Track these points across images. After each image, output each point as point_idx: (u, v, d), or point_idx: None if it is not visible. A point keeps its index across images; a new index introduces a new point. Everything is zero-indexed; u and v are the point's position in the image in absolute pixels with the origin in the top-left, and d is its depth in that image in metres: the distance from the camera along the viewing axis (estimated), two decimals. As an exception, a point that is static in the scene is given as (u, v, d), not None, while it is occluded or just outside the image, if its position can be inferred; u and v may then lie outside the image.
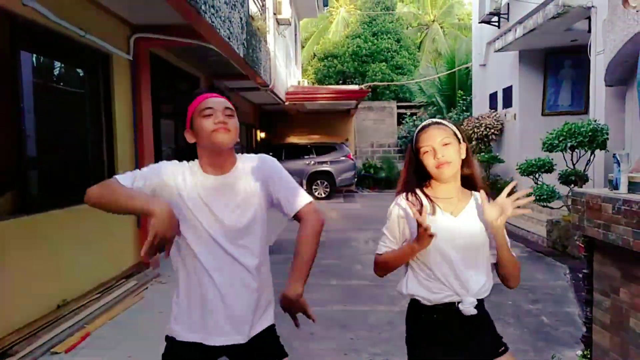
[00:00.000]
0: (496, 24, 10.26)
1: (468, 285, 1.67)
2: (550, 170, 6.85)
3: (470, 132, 10.68)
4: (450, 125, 1.74)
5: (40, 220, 3.88)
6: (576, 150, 6.34)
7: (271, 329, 1.74)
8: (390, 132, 17.59)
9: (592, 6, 6.76)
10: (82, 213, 4.46)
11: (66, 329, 3.74)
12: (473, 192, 1.78)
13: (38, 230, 3.85)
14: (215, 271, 1.62)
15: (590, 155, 6.38)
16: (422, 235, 1.59)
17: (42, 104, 4.10)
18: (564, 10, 6.76)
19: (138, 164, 5.57)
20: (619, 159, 2.56)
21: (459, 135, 1.73)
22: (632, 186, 2.54)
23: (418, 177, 1.77)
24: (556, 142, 6.29)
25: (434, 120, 1.76)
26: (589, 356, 2.90)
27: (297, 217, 1.72)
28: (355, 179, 14.84)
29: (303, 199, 1.72)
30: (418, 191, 1.75)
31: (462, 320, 1.68)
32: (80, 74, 4.95)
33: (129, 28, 5.44)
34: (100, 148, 5.05)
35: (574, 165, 6.52)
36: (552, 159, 6.85)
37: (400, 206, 1.74)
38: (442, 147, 1.67)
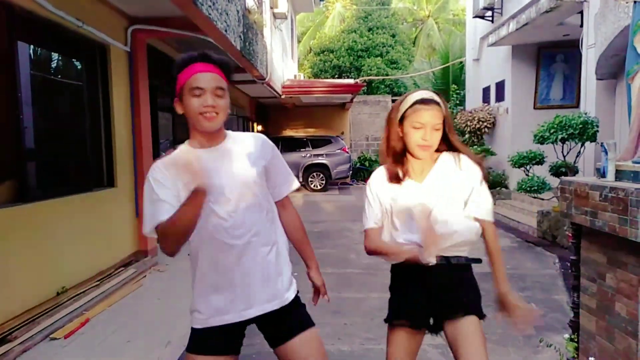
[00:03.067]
0: (490, 18, 10.33)
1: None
2: (541, 162, 6.96)
3: (464, 125, 10.78)
4: (443, 106, 1.75)
5: (39, 209, 3.92)
6: (567, 142, 6.44)
7: (296, 298, 1.77)
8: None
9: (585, 0, 6.84)
10: (80, 202, 4.52)
11: (65, 316, 3.79)
12: (444, 153, 1.81)
13: (37, 219, 3.90)
14: (229, 245, 1.61)
15: (581, 147, 6.50)
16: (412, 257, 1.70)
17: (40, 95, 4.13)
18: (556, 5, 6.84)
19: (136, 154, 5.61)
20: (606, 147, 2.64)
21: (446, 119, 1.76)
22: (619, 174, 2.62)
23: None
24: (547, 134, 6.40)
25: (435, 98, 1.74)
26: (575, 340, 3.00)
27: (279, 201, 1.80)
28: (351, 172, 14.94)
29: (292, 185, 1.82)
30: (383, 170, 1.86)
31: (433, 273, 1.75)
32: (78, 65, 4.97)
33: (126, 19, 5.46)
34: (99, 138, 5.09)
35: (564, 157, 6.63)
36: (543, 152, 6.96)
37: (377, 177, 1.86)
38: (432, 131, 1.71)
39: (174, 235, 1.48)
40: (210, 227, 1.60)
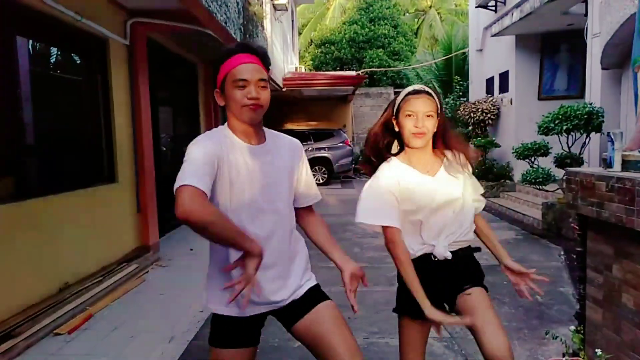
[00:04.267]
0: (493, 8, 10.22)
1: (442, 236, 1.82)
2: (545, 153, 6.90)
3: (467, 117, 10.70)
4: (436, 97, 1.82)
5: (40, 205, 3.91)
6: (572, 133, 6.38)
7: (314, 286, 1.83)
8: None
9: (589, -11, 6.74)
10: (81, 198, 4.51)
11: (69, 311, 3.79)
12: (445, 151, 1.88)
13: (38, 215, 3.88)
14: (263, 237, 1.60)
15: (586, 138, 6.43)
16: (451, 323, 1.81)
17: (39, 90, 4.10)
18: (560, -7, 6.75)
19: (136, 149, 5.59)
20: (613, 137, 2.60)
21: (439, 109, 1.82)
22: (626, 164, 2.57)
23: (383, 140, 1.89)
24: (552, 125, 6.33)
25: (426, 89, 1.83)
26: (582, 332, 2.97)
27: (304, 208, 1.84)
28: (353, 165, 14.88)
29: (317, 195, 1.85)
30: (395, 159, 1.88)
31: (442, 265, 1.84)
32: (77, 60, 4.94)
33: (125, 12, 5.41)
34: (99, 133, 5.06)
35: (569, 148, 6.57)
36: (548, 143, 6.89)
37: (389, 173, 1.84)
38: (425, 118, 1.76)
39: (202, 228, 1.37)
40: (251, 221, 1.61)
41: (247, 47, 1.58)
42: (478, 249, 1.95)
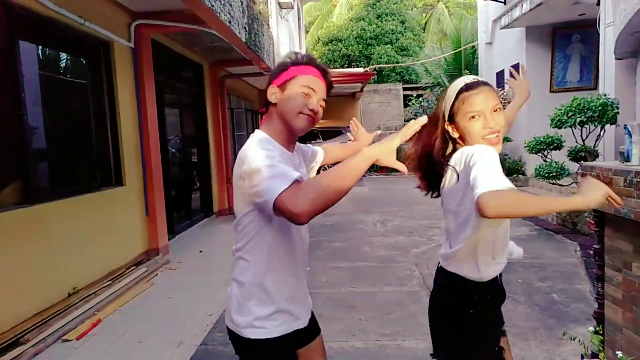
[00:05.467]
0: (502, 0, 10.05)
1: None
2: (559, 147, 6.75)
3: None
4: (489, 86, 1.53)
5: (47, 210, 3.89)
6: (585, 125, 6.22)
7: None
8: (396, 114, 17.44)
9: (601, -23, 6.58)
10: (89, 202, 4.49)
11: (77, 317, 3.77)
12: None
13: (45, 220, 3.87)
14: (297, 250, 1.56)
15: (600, 130, 6.27)
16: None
17: (43, 95, 4.08)
18: (571, -17, 6.59)
19: (144, 152, 5.56)
20: (630, 129, 2.49)
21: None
22: (644, 158, 2.47)
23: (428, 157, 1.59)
24: (565, 118, 6.19)
25: (480, 79, 1.54)
26: (601, 332, 2.87)
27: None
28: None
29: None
30: None
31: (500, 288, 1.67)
32: (82, 63, 4.92)
33: (129, 15, 5.38)
34: (105, 137, 5.04)
35: (583, 141, 6.42)
36: (561, 136, 6.74)
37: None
38: (494, 114, 1.47)
39: (323, 204, 1.23)
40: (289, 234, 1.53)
41: (326, 71, 1.56)
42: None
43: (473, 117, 1.47)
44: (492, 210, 1.23)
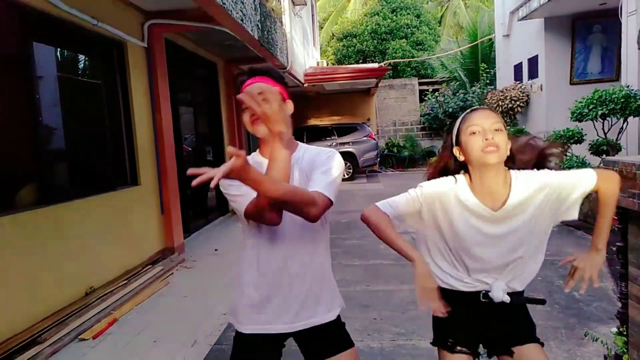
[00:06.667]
0: (519, -9, 9.83)
1: (502, 276, 1.64)
2: (580, 140, 6.57)
3: (495, 105, 10.38)
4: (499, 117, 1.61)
5: (63, 210, 3.93)
6: (607, 118, 6.05)
7: (338, 317, 1.75)
8: (412, 109, 17.25)
9: (623, -36, 6.37)
10: (104, 202, 4.52)
11: (93, 316, 3.80)
12: (509, 172, 1.61)
13: (61, 220, 3.91)
14: (278, 253, 1.64)
15: (623, 123, 6.09)
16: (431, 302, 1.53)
17: (58, 96, 4.12)
18: (592, -29, 6.40)
19: (158, 151, 5.59)
20: (654, 122, 2.38)
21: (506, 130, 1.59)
22: (670, 151, 2.36)
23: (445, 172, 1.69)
24: (586, 110, 6.02)
25: (485, 107, 1.67)
26: (625, 333, 2.77)
27: None
28: (378, 159, 14.67)
29: (320, 186, 1.54)
30: (463, 178, 1.64)
31: (488, 306, 1.65)
32: (95, 64, 4.95)
33: (142, 15, 5.41)
34: (120, 137, 5.08)
35: (605, 134, 6.24)
36: (582, 129, 6.57)
37: (424, 191, 1.67)
38: (494, 132, 1.53)
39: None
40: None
41: (252, 70, 1.67)
42: (542, 301, 1.76)
43: (473, 132, 1.55)
44: (363, 217, 1.68)
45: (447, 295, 1.63)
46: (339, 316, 1.75)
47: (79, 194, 4.19)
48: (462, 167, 1.66)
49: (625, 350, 2.69)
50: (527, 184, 1.59)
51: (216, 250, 6.05)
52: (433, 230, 1.69)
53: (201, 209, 7.69)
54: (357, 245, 5.98)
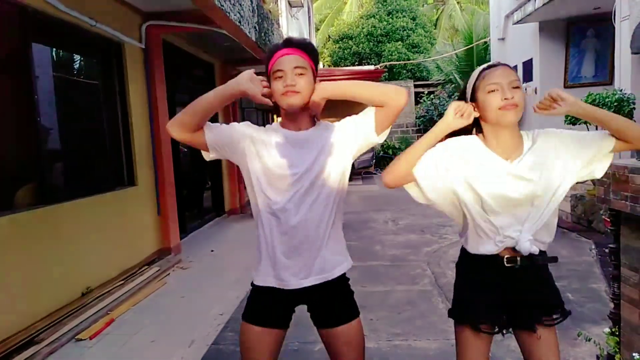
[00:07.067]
0: (515, -5, 9.91)
1: (525, 226, 1.61)
2: (573, 144, 6.64)
3: (490, 108, 10.44)
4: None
5: (60, 211, 3.93)
6: (601, 122, 6.11)
7: (347, 284, 1.83)
8: (407, 111, 17.32)
9: (616, -30, 6.45)
10: (101, 202, 4.53)
11: (91, 316, 3.81)
12: (523, 132, 1.66)
13: (59, 220, 3.91)
14: (287, 214, 1.67)
15: (616, 126, 6.15)
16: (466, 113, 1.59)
17: (56, 96, 4.13)
18: (586, -24, 6.47)
19: (155, 151, 5.60)
20: (646, 126, 2.43)
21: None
22: (662, 155, 2.41)
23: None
24: (580, 114, 6.08)
25: (501, 62, 1.64)
26: (617, 333, 2.81)
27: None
28: (374, 161, 14.73)
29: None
30: (469, 137, 1.67)
31: (514, 271, 1.64)
32: (93, 64, 4.96)
33: (140, 16, 5.42)
34: (117, 137, 5.09)
35: (598, 137, 6.30)
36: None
37: (447, 145, 1.68)
38: (512, 90, 1.53)
39: (195, 113, 1.74)
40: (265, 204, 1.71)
41: (288, 41, 1.67)
42: (554, 259, 1.73)
43: (492, 90, 1.55)
44: (385, 180, 1.71)
45: (473, 266, 1.68)
46: (348, 284, 1.83)
47: (76, 195, 4.20)
48: (473, 125, 1.67)
49: (618, 350, 2.73)
50: (543, 138, 1.64)
51: (212, 251, 6.06)
52: (460, 189, 1.64)
53: (197, 209, 7.70)
54: (353, 247, 6.01)
